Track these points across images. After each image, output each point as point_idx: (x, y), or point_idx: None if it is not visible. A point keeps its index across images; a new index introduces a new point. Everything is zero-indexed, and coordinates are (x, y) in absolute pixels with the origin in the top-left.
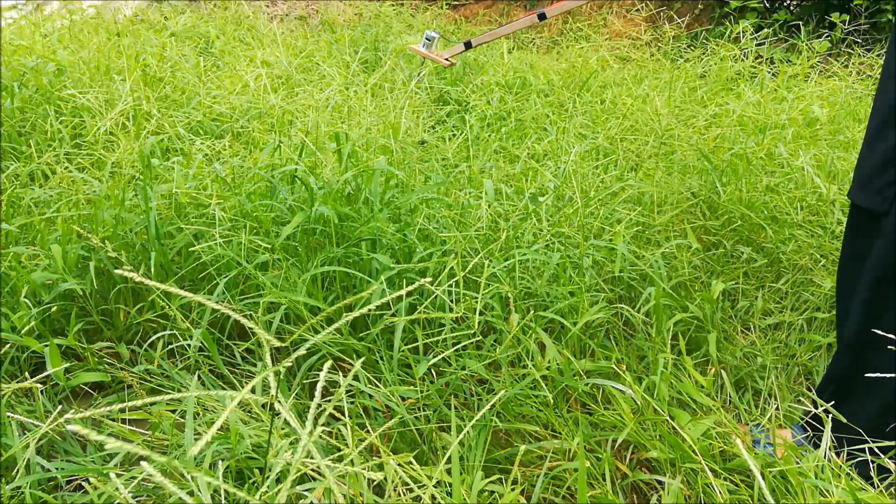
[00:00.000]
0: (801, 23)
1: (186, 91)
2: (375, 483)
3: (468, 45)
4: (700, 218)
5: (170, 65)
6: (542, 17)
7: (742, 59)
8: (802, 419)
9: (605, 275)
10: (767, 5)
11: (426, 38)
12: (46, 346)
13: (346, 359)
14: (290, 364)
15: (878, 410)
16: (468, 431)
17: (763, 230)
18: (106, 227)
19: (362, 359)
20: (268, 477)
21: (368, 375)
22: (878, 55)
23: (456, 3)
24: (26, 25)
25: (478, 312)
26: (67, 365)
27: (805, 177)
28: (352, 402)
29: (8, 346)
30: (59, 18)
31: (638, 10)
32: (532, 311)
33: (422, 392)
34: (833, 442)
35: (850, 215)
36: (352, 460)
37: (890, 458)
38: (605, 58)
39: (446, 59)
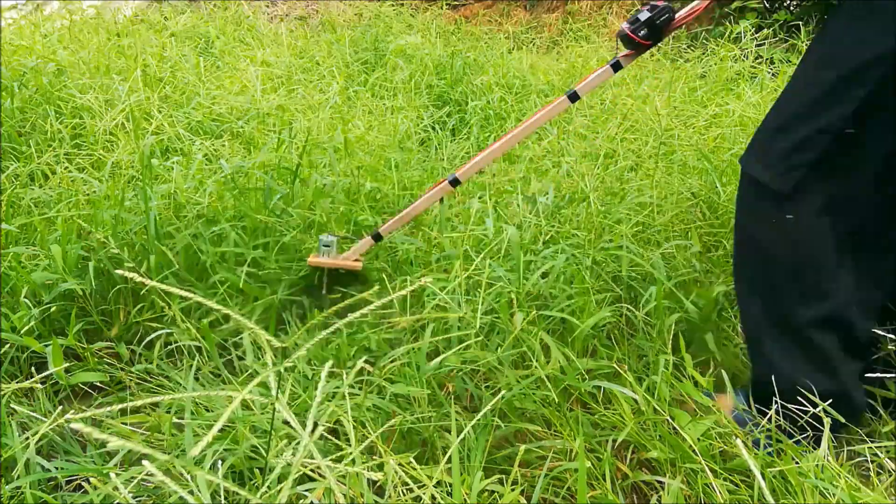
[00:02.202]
0: (801, 23)
1: (186, 91)
2: (377, 483)
3: (377, 238)
4: (700, 218)
5: (170, 65)
6: (454, 182)
7: (742, 60)
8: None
9: (607, 275)
10: (767, 5)
11: (323, 245)
12: (48, 345)
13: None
14: (291, 364)
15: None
16: (469, 431)
17: None
18: (105, 227)
19: (362, 359)
20: (268, 477)
21: (369, 376)
22: None
23: (456, 3)
24: (26, 25)
25: (479, 312)
26: (67, 365)
27: None
28: (354, 404)
29: (7, 346)
30: (59, 18)
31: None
32: (535, 312)
33: (424, 392)
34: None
35: (746, 191)
36: (353, 460)
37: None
38: (605, 58)
39: (354, 260)
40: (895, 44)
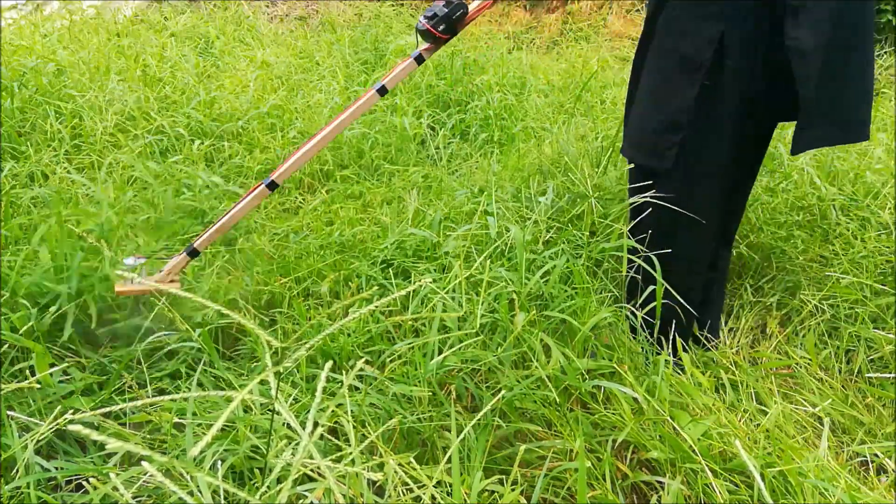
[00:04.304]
0: None
1: (186, 91)
2: (377, 484)
3: (193, 253)
4: None
5: (170, 65)
6: (271, 185)
7: None
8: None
9: (605, 274)
10: None
11: (127, 265)
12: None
13: (349, 358)
14: (291, 364)
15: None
16: (469, 431)
17: (761, 231)
18: (108, 226)
19: (363, 359)
20: (268, 478)
21: (371, 375)
22: (877, 55)
23: None
24: (26, 25)
25: (479, 312)
26: (67, 365)
27: (805, 177)
28: (355, 403)
29: (7, 345)
30: (59, 18)
31: (638, 10)
32: (534, 312)
33: (425, 391)
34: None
35: (631, 174)
36: (352, 460)
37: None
38: (605, 58)
39: (170, 281)
40: (724, 28)
